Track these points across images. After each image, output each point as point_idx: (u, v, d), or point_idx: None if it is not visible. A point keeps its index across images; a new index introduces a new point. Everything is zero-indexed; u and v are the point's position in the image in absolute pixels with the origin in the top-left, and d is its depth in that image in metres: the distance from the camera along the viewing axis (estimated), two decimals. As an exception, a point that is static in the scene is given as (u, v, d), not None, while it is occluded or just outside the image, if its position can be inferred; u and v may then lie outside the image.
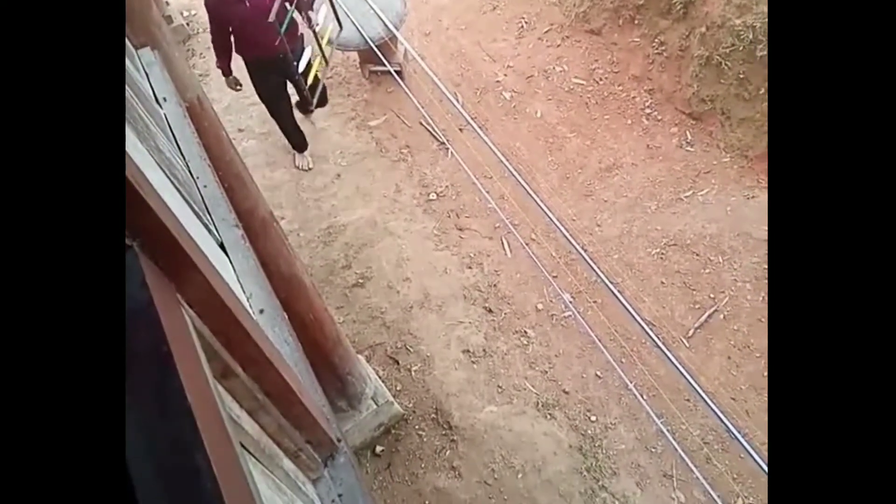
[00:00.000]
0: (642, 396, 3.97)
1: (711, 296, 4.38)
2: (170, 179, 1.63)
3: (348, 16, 5.05)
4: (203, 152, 2.19)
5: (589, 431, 4.01)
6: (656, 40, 5.41)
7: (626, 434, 3.99)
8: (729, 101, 4.95)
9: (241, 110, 6.08)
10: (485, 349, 4.39)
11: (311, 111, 5.61)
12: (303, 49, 4.53)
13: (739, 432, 3.05)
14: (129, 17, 2.34)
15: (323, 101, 5.42)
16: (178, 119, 2.26)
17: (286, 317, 1.78)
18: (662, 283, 4.51)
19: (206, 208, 1.97)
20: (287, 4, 4.14)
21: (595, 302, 4.47)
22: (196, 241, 1.04)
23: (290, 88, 5.13)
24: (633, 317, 3.38)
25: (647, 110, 5.39)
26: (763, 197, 4.66)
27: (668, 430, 3.83)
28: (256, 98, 6.19)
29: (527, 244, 4.63)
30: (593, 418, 4.06)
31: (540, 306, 4.56)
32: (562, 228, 3.60)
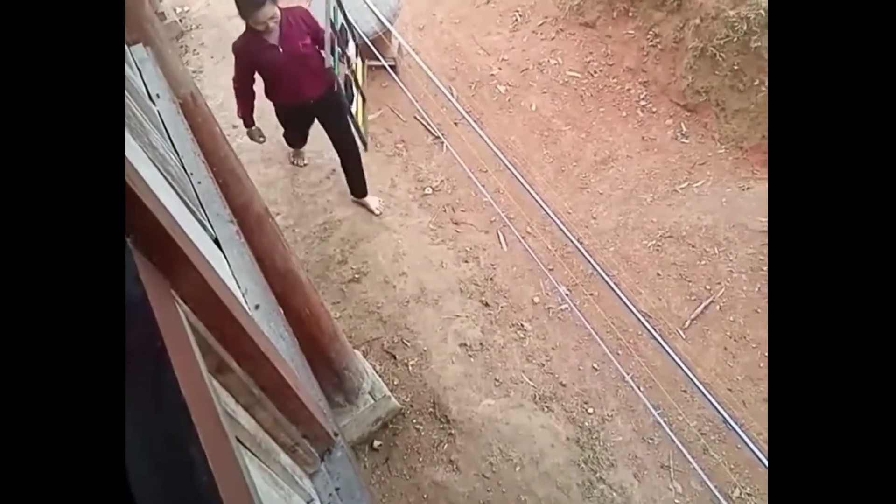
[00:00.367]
0: (639, 388, 3.98)
1: (707, 287, 4.38)
2: (163, 176, 1.62)
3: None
4: (197, 148, 2.19)
5: (586, 423, 4.02)
6: (651, 32, 5.40)
7: (623, 426, 4.01)
8: (723, 92, 4.95)
9: (234, 106, 6.05)
10: (482, 343, 4.39)
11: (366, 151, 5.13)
12: (352, 93, 4.28)
13: (736, 423, 3.07)
14: (121, 14, 2.33)
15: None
16: (171, 115, 2.25)
17: (282, 312, 1.79)
18: (658, 274, 4.52)
19: (201, 204, 1.97)
20: (331, 48, 3.89)
21: (591, 294, 4.48)
22: (190, 237, 1.04)
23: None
24: (630, 309, 3.40)
25: (642, 102, 5.39)
26: (758, 188, 4.67)
27: (664, 422, 3.84)
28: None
29: (523, 237, 4.63)
30: (590, 410, 4.07)
31: (536, 299, 4.56)
32: (557, 221, 3.61)
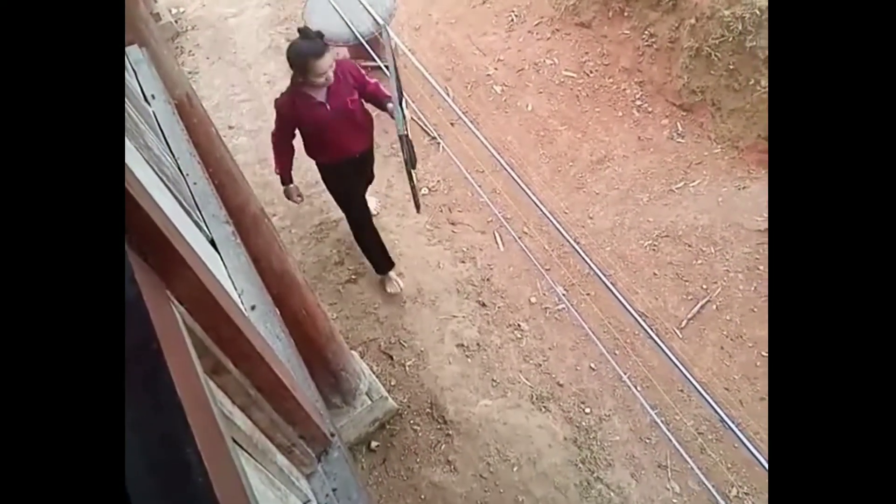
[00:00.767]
0: (636, 388, 3.98)
1: (704, 286, 4.39)
2: (159, 176, 1.62)
3: (337, 11, 5.03)
4: (192, 149, 2.19)
5: (583, 423, 4.02)
6: (646, 32, 5.41)
7: (620, 425, 4.01)
8: (719, 92, 4.96)
9: (231, 107, 6.06)
10: (479, 343, 4.39)
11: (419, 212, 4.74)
12: (411, 145, 3.94)
13: (733, 422, 3.06)
14: (116, 15, 2.32)
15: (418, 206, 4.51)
16: (166, 116, 2.25)
17: (278, 313, 1.78)
18: (655, 274, 4.52)
19: (197, 205, 1.97)
20: (401, 106, 3.66)
21: (588, 294, 4.49)
22: (186, 238, 1.04)
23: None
24: (627, 309, 3.39)
25: (638, 102, 5.40)
26: (754, 187, 4.68)
27: (662, 421, 3.85)
28: (247, 95, 6.18)
29: (519, 238, 4.63)
30: (588, 410, 4.07)
31: (533, 299, 4.56)
32: (554, 221, 3.60)
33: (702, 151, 5.02)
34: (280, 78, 6.24)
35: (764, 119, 4.68)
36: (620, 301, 3.40)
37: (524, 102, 5.64)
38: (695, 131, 5.11)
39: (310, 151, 4.13)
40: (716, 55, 4.83)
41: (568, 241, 3.51)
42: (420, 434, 4.06)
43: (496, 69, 5.91)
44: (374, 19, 4.57)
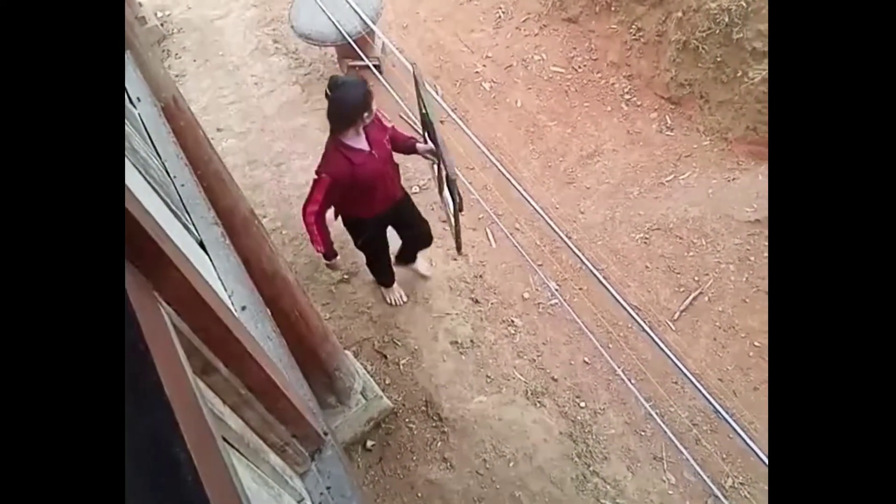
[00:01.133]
0: (630, 381, 4.00)
1: (696, 279, 4.41)
2: (146, 179, 1.62)
3: (324, 11, 5.03)
4: (180, 151, 2.18)
5: (578, 417, 4.03)
6: (633, 26, 5.42)
7: (615, 419, 4.02)
8: (707, 84, 4.98)
9: (219, 110, 6.05)
10: (472, 340, 4.40)
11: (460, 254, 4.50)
12: (459, 192, 3.49)
13: (727, 412, 3.08)
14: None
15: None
16: (153, 119, 2.25)
17: (269, 314, 1.78)
18: (647, 267, 4.53)
19: (185, 207, 1.97)
20: (441, 149, 3.42)
21: (581, 289, 4.50)
22: (174, 240, 1.04)
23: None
24: (619, 302, 3.41)
25: (627, 96, 5.41)
26: (743, 178, 4.70)
27: (656, 414, 3.86)
28: (235, 97, 6.17)
29: (511, 234, 4.64)
30: (582, 404, 4.08)
31: (526, 295, 4.57)
32: (545, 217, 3.61)
33: (691, 144, 5.03)
34: (268, 80, 6.23)
35: (752, 110, 4.70)
36: (613, 295, 3.42)
37: (513, 99, 5.65)
38: (684, 124, 5.13)
39: (351, 210, 3.75)
40: (703, 48, 4.85)
41: (559, 236, 3.53)
42: (416, 432, 4.06)
43: (484, 66, 5.91)
44: (361, 17, 4.57)
